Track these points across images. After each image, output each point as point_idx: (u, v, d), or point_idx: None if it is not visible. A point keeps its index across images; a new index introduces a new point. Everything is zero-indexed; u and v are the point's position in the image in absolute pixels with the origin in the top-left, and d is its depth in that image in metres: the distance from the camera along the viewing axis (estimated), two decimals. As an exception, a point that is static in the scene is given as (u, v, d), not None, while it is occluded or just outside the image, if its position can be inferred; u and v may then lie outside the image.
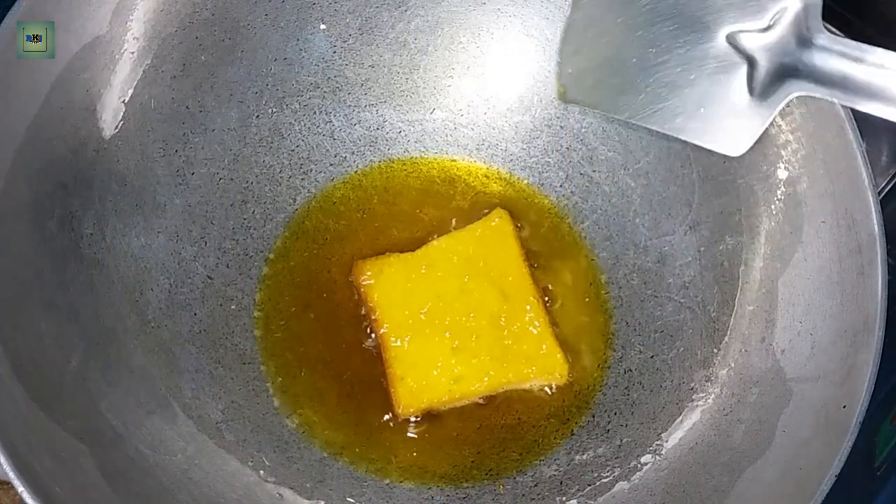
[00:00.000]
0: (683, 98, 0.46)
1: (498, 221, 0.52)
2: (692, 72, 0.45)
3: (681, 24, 0.45)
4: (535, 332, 0.50)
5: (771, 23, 0.43)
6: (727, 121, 0.45)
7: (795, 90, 0.43)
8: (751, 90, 0.44)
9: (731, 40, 0.44)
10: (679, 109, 0.46)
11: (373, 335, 0.51)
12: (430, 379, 0.49)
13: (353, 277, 0.52)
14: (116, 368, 0.45)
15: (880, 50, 0.41)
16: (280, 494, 0.46)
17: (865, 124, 0.43)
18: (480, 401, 0.50)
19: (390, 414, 0.49)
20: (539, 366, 0.49)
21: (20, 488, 0.36)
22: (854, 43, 0.42)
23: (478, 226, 0.53)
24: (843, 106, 0.43)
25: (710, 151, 0.49)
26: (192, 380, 0.48)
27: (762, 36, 0.44)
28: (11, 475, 0.37)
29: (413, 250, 0.52)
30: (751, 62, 0.44)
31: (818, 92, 0.42)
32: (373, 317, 0.50)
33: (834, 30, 0.44)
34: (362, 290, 0.51)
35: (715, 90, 0.45)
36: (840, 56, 0.42)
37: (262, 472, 0.47)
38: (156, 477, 0.43)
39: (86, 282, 0.45)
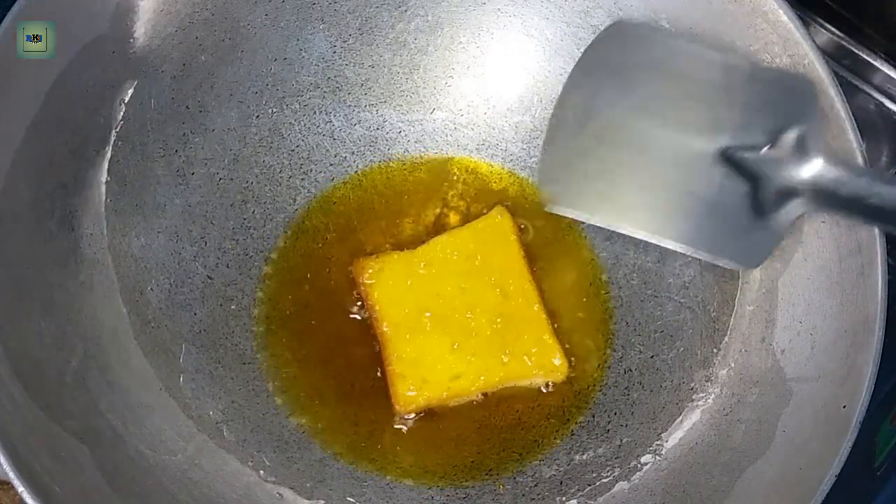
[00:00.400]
0: (687, 211, 0.44)
1: (498, 219, 0.52)
2: (691, 185, 0.44)
3: (677, 135, 0.44)
4: (534, 329, 0.50)
5: (769, 142, 0.42)
6: (737, 235, 0.44)
7: (803, 209, 0.42)
8: (757, 206, 0.43)
9: (731, 157, 0.43)
10: (681, 221, 0.44)
11: (373, 334, 0.51)
12: (429, 376, 0.49)
13: (353, 275, 0.52)
14: (116, 368, 0.45)
15: (883, 181, 0.40)
16: (280, 494, 0.46)
17: (865, 124, 0.43)
18: (479, 399, 0.50)
19: (391, 413, 0.49)
20: (538, 363, 0.50)
21: (20, 488, 0.36)
22: (860, 168, 0.41)
23: (478, 223, 0.53)
24: (844, 109, 0.43)
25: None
26: (192, 380, 0.48)
27: (762, 155, 0.43)
28: (11, 475, 0.37)
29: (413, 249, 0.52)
30: (753, 180, 0.43)
31: (829, 212, 0.42)
32: (373, 314, 0.51)
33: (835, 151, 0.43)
34: (363, 287, 0.51)
35: (719, 205, 0.44)
36: (845, 180, 0.41)
37: (262, 472, 0.47)
38: (156, 477, 0.43)
39: (86, 282, 0.45)
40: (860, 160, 0.43)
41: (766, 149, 0.43)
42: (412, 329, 0.50)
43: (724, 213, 0.44)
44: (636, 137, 0.45)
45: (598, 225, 0.46)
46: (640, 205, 0.45)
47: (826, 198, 0.41)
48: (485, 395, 0.50)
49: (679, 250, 0.44)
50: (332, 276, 0.53)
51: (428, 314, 0.50)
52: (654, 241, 0.44)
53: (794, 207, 0.42)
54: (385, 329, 0.50)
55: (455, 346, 0.50)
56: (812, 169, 0.41)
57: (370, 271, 0.51)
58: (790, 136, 0.42)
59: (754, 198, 0.43)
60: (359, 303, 0.52)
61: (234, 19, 0.50)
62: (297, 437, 0.49)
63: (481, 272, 0.51)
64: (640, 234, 0.44)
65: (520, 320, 0.50)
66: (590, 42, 0.47)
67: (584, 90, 0.46)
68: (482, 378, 0.49)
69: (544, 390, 0.50)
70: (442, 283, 0.51)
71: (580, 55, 0.47)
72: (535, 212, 0.54)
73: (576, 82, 0.46)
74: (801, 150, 0.42)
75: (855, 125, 0.42)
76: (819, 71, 0.43)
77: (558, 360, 0.50)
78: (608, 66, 0.46)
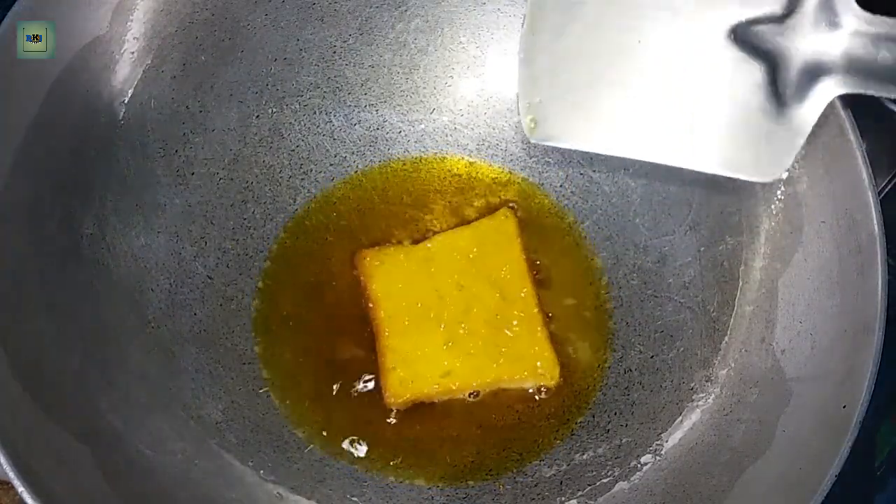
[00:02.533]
0: (690, 117, 0.37)
1: (502, 220, 0.53)
2: (695, 81, 0.37)
3: (669, 18, 0.36)
4: (529, 334, 0.50)
5: (787, 9, 0.35)
6: (752, 139, 0.36)
7: (835, 90, 0.35)
8: (777, 97, 0.36)
9: (742, 36, 0.36)
10: (686, 133, 0.37)
11: (371, 329, 0.51)
12: (420, 371, 0.49)
13: (355, 266, 0.52)
14: (116, 368, 0.45)
15: None
16: (280, 494, 0.46)
17: (865, 124, 0.43)
18: (471, 398, 0.50)
19: (390, 413, 0.49)
20: (530, 367, 0.50)
21: (20, 488, 0.36)
22: (891, 21, 0.34)
23: (482, 223, 0.53)
24: (843, 106, 0.42)
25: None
26: (192, 380, 0.48)
27: (780, 27, 0.35)
28: (11, 475, 0.37)
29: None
30: (771, 62, 0.36)
31: (866, 88, 0.35)
32: (370, 306, 0.51)
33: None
34: (363, 278, 0.51)
35: (730, 101, 0.36)
36: (885, 39, 0.34)
37: (262, 472, 0.47)
38: (156, 477, 0.43)
39: (86, 282, 0.45)
40: (860, 160, 0.42)
41: (783, 17, 0.35)
42: (407, 323, 0.50)
43: (737, 113, 0.36)
44: (623, 30, 0.37)
45: (591, 151, 0.39)
46: (636, 121, 0.37)
47: (865, 70, 0.34)
48: (477, 393, 0.50)
49: (687, 168, 0.37)
50: (332, 276, 0.53)
51: (424, 309, 0.50)
52: (658, 161, 0.37)
53: (824, 90, 0.35)
54: (381, 321, 0.50)
55: (449, 344, 0.50)
56: (844, 34, 0.34)
57: (371, 263, 0.51)
58: None
59: (773, 85, 0.36)
60: (359, 303, 0.52)
61: (234, 19, 0.50)
62: (297, 437, 0.49)
63: (481, 272, 0.51)
64: (642, 158, 0.38)
65: (516, 323, 0.50)
66: None
67: None
68: (473, 377, 0.49)
69: (536, 397, 0.50)
70: (441, 280, 0.51)
71: None
72: (535, 213, 0.54)
73: None
74: (829, 11, 0.34)
75: (855, 125, 0.42)
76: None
77: (550, 367, 0.50)
78: None
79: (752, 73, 0.36)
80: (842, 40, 0.34)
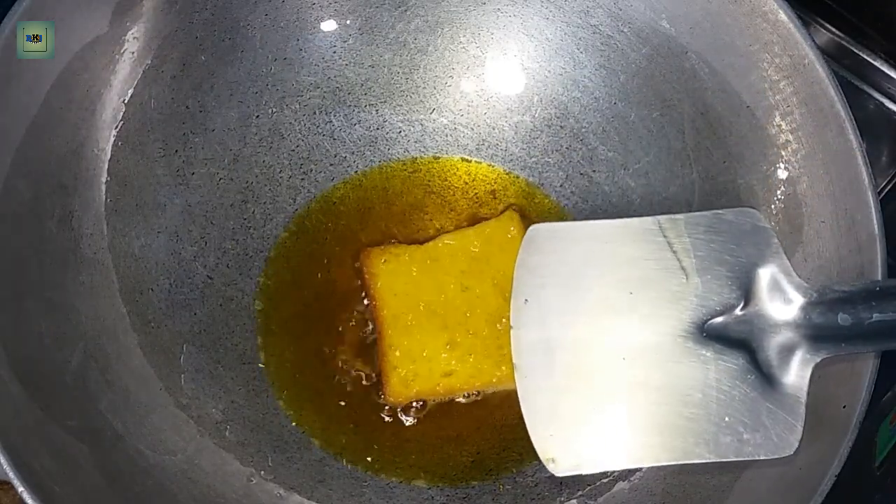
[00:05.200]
0: (697, 417, 0.38)
1: (508, 222, 0.52)
2: (688, 384, 0.38)
3: (646, 334, 0.39)
4: None
5: (745, 298, 0.38)
6: (756, 421, 0.38)
7: (814, 358, 0.37)
8: (764, 377, 0.38)
9: (713, 332, 0.38)
10: (699, 432, 0.38)
11: (372, 331, 0.51)
12: (421, 370, 0.49)
13: (359, 263, 0.52)
14: (116, 368, 0.45)
15: (863, 284, 0.37)
16: (280, 494, 0.46)
17: (865, 124, 0.43)
18: (471, 398, 0.50)
19: (390, 413, 0.49)
20: None
21: (20, 488, 0.36)
22: (839, 285, 0.37)
23: (487, 225, 0.53)
24: (844, 109, 0.42)
25: (709, 151, 0.49)
26: (192, 380, 0.48)
27: (743, 316, 0.38)
28: (11, 475, 0.37)
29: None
30: (747, 349, 0.38)
31: (840, 350, 0.37)
32: (374, 304, 0.51)
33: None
34: (366, 276, 0.51)
35: (723, 394, 0.38)
36: (838, 304, 0.36)
37: (262, 472, 0.47)
38: (156, 477, 0.43)
39: (86, 282, 0.45)
40: (860, 160, 0.42)
41: (742, 306, 0.39)
42: (410, 322, 0.50)
43: (732, 402, 0.38)
44: (605, 353, 0.40)
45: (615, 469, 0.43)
46: (643, 431, 0.39)
47: (832, 335, 0.37)
48: (478, 393, 0.50)
49: (710, 461, 0.38)
50: (332, 276, 0.52)
51: (428, 309, 0.50)
52: (678, 462, 0.39)
53: (804, 360, 0.37)
54: (383, 319, 0.50)
55: (451, 344, 0.50)
56: (799, 308, 0.37)
57: (376, 261, 0.51)
58: (762, 282, 0.38)
59: (756, 368, 0.38)
60: (359, 304, 0.52)
61: (234, 19, 0.50)
62: (297, 437, 0.49)
63: (485, 274, 0.51)
64: (662, 463, 0.40)
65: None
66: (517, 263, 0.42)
67: (535, 322, 0.41)
68: (474, 378, 0.49)
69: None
70: (445, 281, 0.51)
71: (513, 287, 0.42)
72: (535, 213, 0.54)
73: (523, 317, 0.41)
74: (780, 292, 0.38)
75: (855, 125, 0.42)
76: (819, 71, 0.43)
77: None
78: (543, 285, 0.41)
79: (735, 360, 0.38)
80: (800, 314, 0.37)
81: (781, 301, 0.38)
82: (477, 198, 0.55)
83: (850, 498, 0.46)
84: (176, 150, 0.50)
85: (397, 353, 0.49)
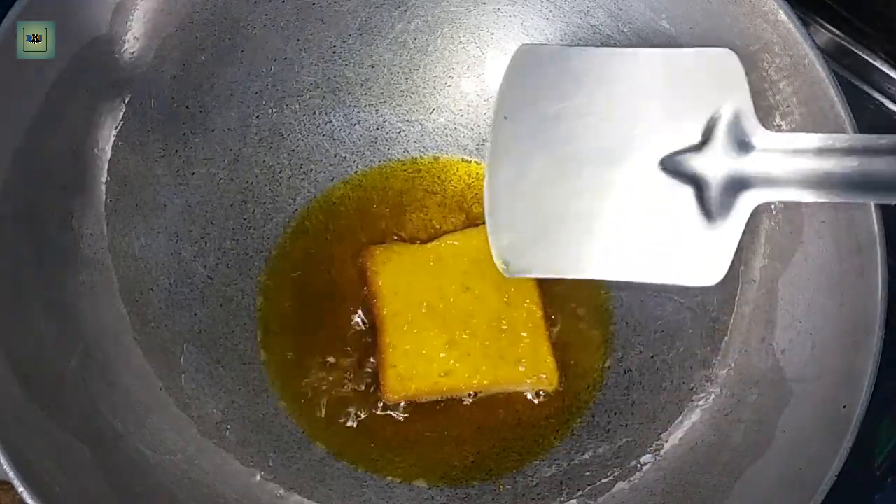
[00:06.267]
0: (638, 240, 0.42)
1: None
2: (637, 209, 0.42)
3: (609, 160, 0.42)
4: (531, 339, 0.50)
5: (704, 137, 0.41)
6: (690, 251, 0.41)
7: (754, 201, 0.40)
8: (706, 214, 0.41)
9: (668, 165, 0.41)
10: (636, 253, 0.42)
11: (373, 330, 0.51)
12: (419, 369, 0.49)
13: (361, 260, 0.52)
14: (116, 368, 0.45)
15: (818, 136, 0.39)
16: (280, 494, 0.46)
17: (865, 124, 0.43)
18: (471, 398, 0.50)
19: (390, 412, 0.49)
20: (530, 372, 0.49)
21: (20, 488, 0.36)
22: (794, 136, 0.39)
23: None
24: (844, 109, 0.42)
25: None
26: (192, 380, 0.48)
27: (700, 154, 0.41)
28: (11, 475, 0.37)
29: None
30: (697, 184, 0.41)
31: (780, 195, 0.40)
32: (374, 302, 0.51)
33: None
34: (368, 274, 0.51)
35: (668, 222, 0.42)
36: (788, 153, 0.39)
37: (262, 472, 0.47)
38: (156, 477, 0.43)
39: (86, 282, 0.45)
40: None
41: (702, 145, 0.41)
42: (410, 321, 0.50)
43: (675, 230, 0.41)
44: (570, 177, 0.43)
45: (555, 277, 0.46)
46: (590, 247, 0.43)
47: (779, 180, 0.39)
48: (475, 394, 0.50)
49: (636, 281, 0.43)
50: (332, 276, 0.53)
51: (428, 309, 0.50)
52: (613, 279, 0.44)
53: (745, 202, 0.40)
54: (383, 318, 0.50)
55: (450, 344, 0.50)
56: (756, 152, 0.40)
57: (378, 259, 0.51)
58: (723, 122, 0.40)
59: (701, 203, 0.41)
60: (360, 303, 0.52)
61: (234, 19, 0.50)
62: (297, 437, 0.49)
63: (487, 275, 0.51)
64: (598, 277, 0.44)
65: (519, 328, 0.50)
66: (504, 76, 0.45)
67: (509, 137, 0.44)
68: (472, 378, 0.49)
69: (536, 399, 0.50)
70: (447, 281, 0.51)
71: (496, 102, 0.45)
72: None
73: (501, 132, 0.44)
74: (739, 134, 0.40)
75: (855, 125, 0.42)
76: (819, 71, 0.43)
77: (550, 373, 0.50)
78: (523, 104, 0.44)
79: (683, 195, 0.41)
80: (754, 158, 0.40)
81: (737, 142, 0.40)
82: (477, 198, 0.55)
83: (850, 498, 0.46)
84: (176, 150, 0.50)
85: (396, 352, 0.49)
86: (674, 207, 0.41)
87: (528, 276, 0.45)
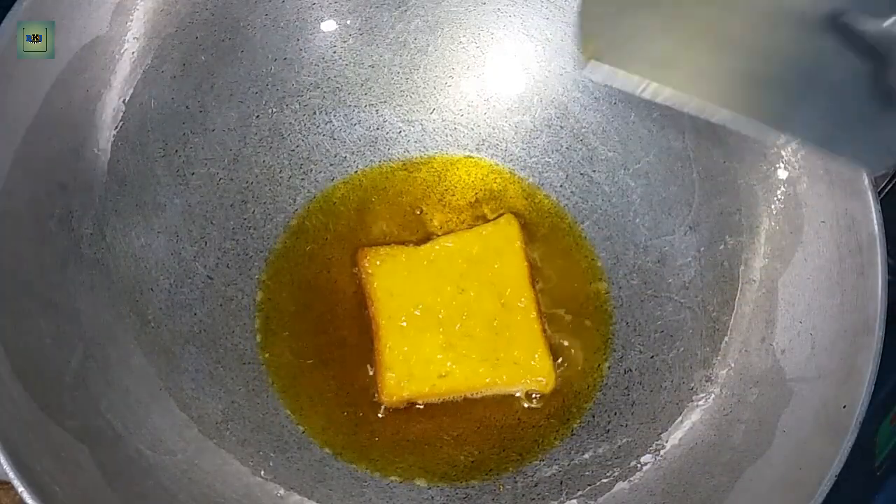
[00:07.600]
0: (783, 84, 0.33)
1: (506, 226, 0.52)
2: (790, 51, 0.33)
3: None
4: (527, 341, 0.50)
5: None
6: (854, 125, 0.33)
7: None
8: (881, 94, 0.33)
9: (846, 27, 0.32)
10: (778, 98, 0.33)
11: (371, 331, 0.51)
12: (415, 371, 0.49)
13: (357, 263, 0.52)
14: (116, 368, 0.45)
15: None
16: (280, 494, 0.46)
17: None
18: (470, 398, 0.50)
19: (390, 413, 0.49)
20: (526, 374, 0.49)
21: (20, 488, 0.36)
22: None
23: (485, 228, 0.53)
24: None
25: (709, 151, 0.49)
26: (192, 380, 0.48)
27: (890, 27, 0.32)
28: (11, 475, 0.37)
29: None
30: (877, 59, 0.33)
31: None
32: (370, 304, 0.51)
33: None
34: (363, 277, 0.51)
35: (829, 85, 0.33)
36: None
37: (262, 472, 0.47)
38: (156, 477, 0.43)
39: (86, 282, 0.45)
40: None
41: (893, 18, 0.32)
42: (406, 323, 0.50)
43: (835, 96, 0.33)
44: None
45: (650, 98, 0.34)
46: (715, 70, 0.33)
47: None
48: (473, 395, 0.50)
49: (774, 133, 0.33)
50: (332, 276, 0.53)
51: (424, 311, 0.50)
52: (740, 121, 0.32)
53: None
54: (379, 320, 0.50)
55: (446, 346, 0.50)
56: None
57: (373, 262, 0.51)
58: None
59: (878, 82, 0.32)
60: (359, 303, 0.52)
61: (234, 19, 0.50)
62: (297, 437, 0.49)
63: (483, 277, 0.51)
64: (719, 113, 0.33)
65: (515, 329, 0.50)
66: None
67: None
68: (469, 380, 0.49)
69: (536, 399, 0.50)
70: (442, 283, 0.51)
71: None
72: (534, 213, 0.54)
73: None
74: None
75: (855, 125, 0.42)
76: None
77: (546, 375, 0.49)
78: None
79: (855, 63, 0.32)
80: None
81: None
82: (477, 198, 0.55)
83: (850, 498, 0.46)
84: (176, 150, 0.50)
85: (392, 354, 0.49)
86: (838, 72, 0.33)
87: (615, 71, 0.34)
